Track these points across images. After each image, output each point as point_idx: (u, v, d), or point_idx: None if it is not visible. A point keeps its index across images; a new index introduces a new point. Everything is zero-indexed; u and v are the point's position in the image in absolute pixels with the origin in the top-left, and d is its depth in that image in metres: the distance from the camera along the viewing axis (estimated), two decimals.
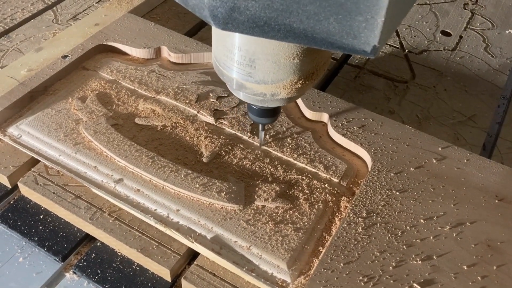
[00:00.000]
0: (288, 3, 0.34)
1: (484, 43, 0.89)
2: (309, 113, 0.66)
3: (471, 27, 0.92)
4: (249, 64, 0.45)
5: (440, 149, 0.61)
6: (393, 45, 0.88)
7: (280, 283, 0.49)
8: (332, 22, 0.34)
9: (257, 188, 0.57)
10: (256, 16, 0.35)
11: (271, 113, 0.55)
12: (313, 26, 0.34)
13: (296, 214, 0.55)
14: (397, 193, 0.56)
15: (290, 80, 0.45)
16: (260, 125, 0.59)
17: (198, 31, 0.86)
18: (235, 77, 0.47)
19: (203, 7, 0.36)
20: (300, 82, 0.46)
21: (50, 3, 0.90)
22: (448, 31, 0.92)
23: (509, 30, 0.92)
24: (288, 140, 0.62)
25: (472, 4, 0.98)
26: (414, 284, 0.48)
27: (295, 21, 0.34)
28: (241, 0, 0.35)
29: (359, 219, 0.53)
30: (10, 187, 0.60)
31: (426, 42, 0.89)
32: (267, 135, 0.63)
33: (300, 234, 0.53)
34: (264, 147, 0.62)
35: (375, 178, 0.57)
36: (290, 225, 0.53)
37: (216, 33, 0.47)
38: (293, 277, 0.50)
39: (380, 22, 0.32)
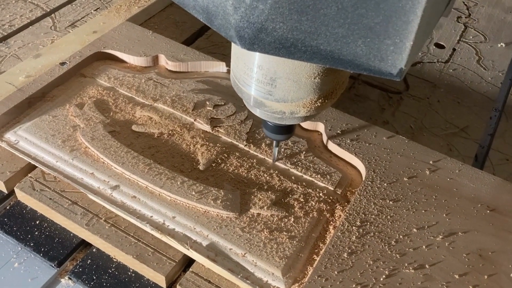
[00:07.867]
0: (317, 25, 0.33)
1: (477, 55, 0.90)
2: (304, 123, 0.67)
3: (464, 40, 0.94)
4: (269, 82, 0.45)
5: (431, 162, 0.62)
6: None
7: None
8: (360, 45, 0.34)
9: (252, 196, 0.57)
10: (283, 38, 0.35)
11: (287, 130, 0.55)
12: (340, 48, 0.34)
13: (291, 222, 0.55)
14: (391, 202, 0.57)
15: (310, 99, 0.46)
16: (275, 142, 0.59)
17: (195, 40, 0.87)
18: (254, 94, 0.47)
19: (229, 27, 0.36)
20: (320, 101, 0.46)
21: (48, 10, 0.90)
22: (442, 43, 0.93)
23: (501, 44, 0.93)
24: (284, 149, 0.63)
25: (465, 17, 1.00)
26: None
27: (322, 43, 0.34)
28: (269, 22, 0.34)
29: (353, 227, 0.54)
30: (6, 192, 0.60)
31: (420, 54, 0.90)
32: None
33: (294, 242, 0.53)
34: (261, 156, 0.62)
35: (369, 188, 0.58)
36: (285, 233, 0.54)
37: (236, 51, 0.47)
38: (288, 284, 0.50)
39: (408, 45, 0.32)
